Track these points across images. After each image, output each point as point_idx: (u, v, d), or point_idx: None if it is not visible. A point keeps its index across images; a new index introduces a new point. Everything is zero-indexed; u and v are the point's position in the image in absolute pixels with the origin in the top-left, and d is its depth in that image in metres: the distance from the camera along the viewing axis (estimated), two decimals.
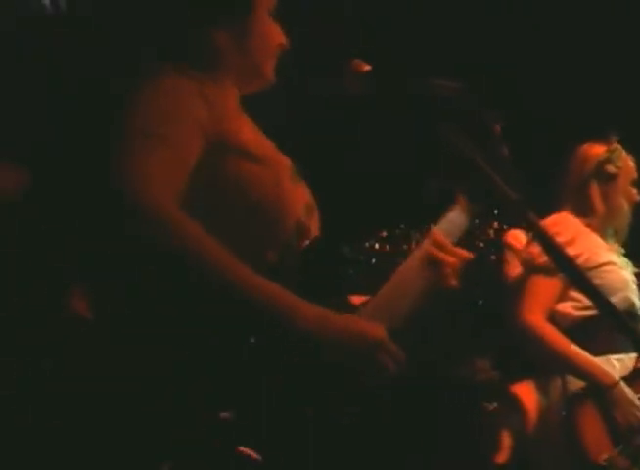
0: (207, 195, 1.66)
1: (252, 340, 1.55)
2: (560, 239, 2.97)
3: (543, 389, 3.16)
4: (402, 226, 1.94)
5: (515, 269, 3.34)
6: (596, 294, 1.72)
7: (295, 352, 1.55)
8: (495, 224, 2.06)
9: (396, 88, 1.74)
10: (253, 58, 1.88)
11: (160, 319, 1.59)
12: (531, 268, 3.17)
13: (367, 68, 1.82)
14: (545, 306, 3.14)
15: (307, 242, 1.77)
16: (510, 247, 3.37)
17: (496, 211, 2.03)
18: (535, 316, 3.12)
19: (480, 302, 3.61)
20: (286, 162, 1.83)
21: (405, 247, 1.89)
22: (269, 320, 1.54)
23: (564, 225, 3.25)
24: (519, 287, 3.22)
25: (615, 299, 3.05)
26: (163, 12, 1.90)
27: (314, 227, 1.84)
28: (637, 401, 3.03)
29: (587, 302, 2.86)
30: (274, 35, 1.91)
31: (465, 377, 3.59)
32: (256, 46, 1.88)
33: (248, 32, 1.86)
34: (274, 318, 1.53)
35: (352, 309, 1.72)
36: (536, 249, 3.07)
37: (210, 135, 1.68)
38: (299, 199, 1.82)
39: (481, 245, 2.04)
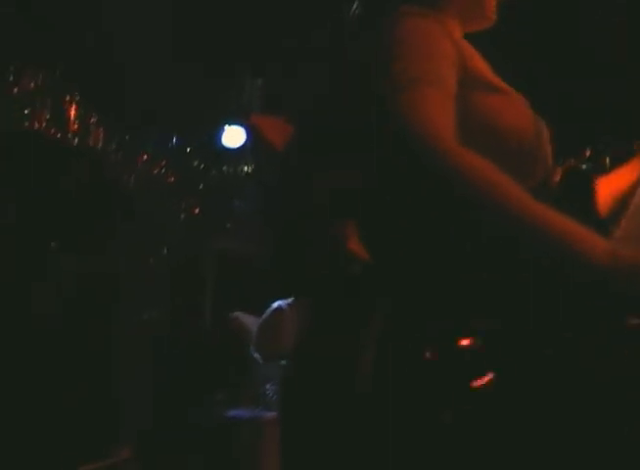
0: (460, 135, 1.59)
1: None
2: None
3: None
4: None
5: None
6: None
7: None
8: None
9: None
10: None
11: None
12: None
13: None
14: None
15: (562, 171, 1.69)
16: None
17: None
18: None
19: None
20: (520, 95, 1.76)
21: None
22: (562, 257, 1.40)
23: None
24: None
25: None
26: None
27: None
28: None
29: None
30: None
31: None
32: None
33: None
34: (569, 254, 1.39)
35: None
36: None
37: (460, 73, 1.64)
38: (544, 129, 1.74)
39: None
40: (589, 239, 1.39)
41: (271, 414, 4.81)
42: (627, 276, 1.38)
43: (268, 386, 4.94)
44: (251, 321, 5.35)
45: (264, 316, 5.25)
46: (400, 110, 1.52)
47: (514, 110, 1.69)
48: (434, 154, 1.45)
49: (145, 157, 5.90)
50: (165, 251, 5.91)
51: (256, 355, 5.13)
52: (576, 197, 1.62)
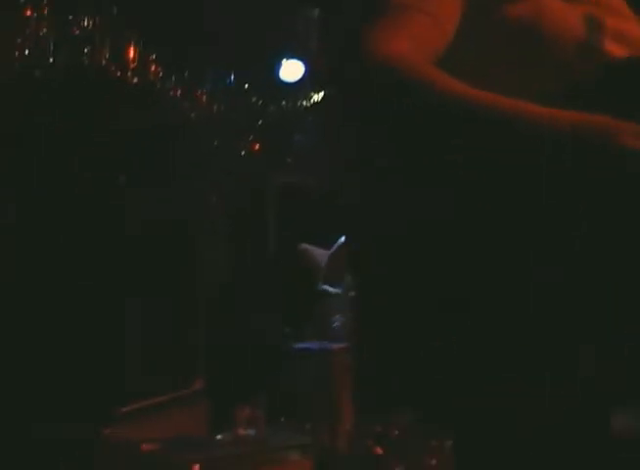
0: (475, 41, 1.56)
1: None
2: None
3: None
4: None
5: None
6: None
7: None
8: None
9: None
10: None
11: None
12: None
13: None
14: None
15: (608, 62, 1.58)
16: None
17: None
18: None
19: None
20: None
21: None
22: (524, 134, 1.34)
23: None
24: None
25: None
26: None
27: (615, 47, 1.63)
28: None
29: None
30: None
31: None
32: None
33: None
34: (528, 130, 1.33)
35: None
36: None
37: None
38: (575, 14, 1.64)
39: None
40: (540, 111, 1.33)
41: (339, 346, 4.84)
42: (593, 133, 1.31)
43: (336, 318, 4.96)
44: (319, 254, 5.37)
45: (333, 249, 5.26)
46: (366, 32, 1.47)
47: (548, 16, 1.60)
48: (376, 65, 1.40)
49: (204, 94, 5.88)
50: (226, 188, 5.91)
51: (325, 288, 5.16)
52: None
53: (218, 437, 3.77)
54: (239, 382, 4.67)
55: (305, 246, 5.45)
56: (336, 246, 5.23)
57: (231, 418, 3.99)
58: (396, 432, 5.05)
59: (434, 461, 4.81)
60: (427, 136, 1.40)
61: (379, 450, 4.94)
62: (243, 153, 6.12)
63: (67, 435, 3.56)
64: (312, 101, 6.28)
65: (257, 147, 6.21)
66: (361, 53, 1.43)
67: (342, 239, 5.27)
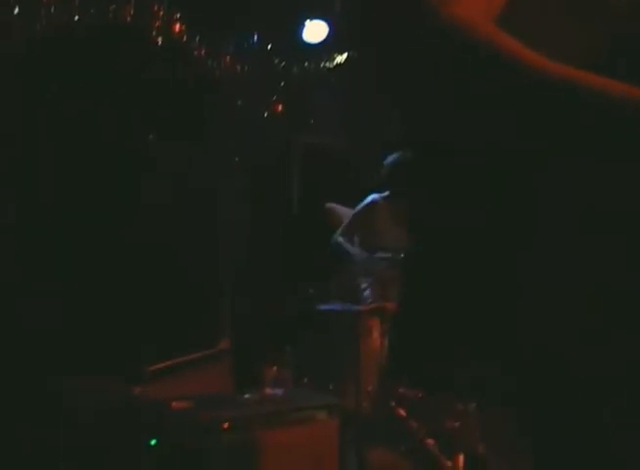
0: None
1: None
2: None
3: None
4: None
5: None
6: None
7: None
8: None
9: None
10: None
11: None
12: None
13: None
14: None
15: None
16: None
17: None
18: None
19: None
20: None
21: None
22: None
23: None
24: None
25: None
26: None
27: None
28: None
29: None
30: None
31: None
32: None
33: None
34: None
35: None
36: None
37: None
38: None
39: None
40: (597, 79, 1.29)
41: (363, 307, 4.84)
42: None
43: (362, 280, 4.96)
44: (344, 212, 5.36)
45: (359, 208, 5.25)
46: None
47: None
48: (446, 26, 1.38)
49: (227, 55, 5.85)
50: (250, 148, 5.90)
51: (340, 240, 5.15)
52: None
53: (246, 396, 3.78)
54: (264, 342, 4.69)
55: (331, 204, 5.45)
56: (361, 205, 5.22)
57: (256, 378, 4.01)
58: (419, 394, 5.07)
59: (457, 424, 4.83)
60: (498, 103, 1.39)
61: (401, 412, 4.96)
62: (266, 114, 6.10)
63: (98, 393, 3.58)
64: (335, 62, 6.24)
65: (280, 108, 6.18)
66: (430, 13, 1.42)
67: (369, 198, 5.27)
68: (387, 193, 5.17)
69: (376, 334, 4.91)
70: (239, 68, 5.87)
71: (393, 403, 4.98)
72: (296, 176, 6.17)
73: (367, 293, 4.98)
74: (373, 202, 5.21)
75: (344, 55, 6.19)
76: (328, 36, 6.03)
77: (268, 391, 3.83)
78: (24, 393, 3.52)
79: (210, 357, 4.42)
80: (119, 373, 3.82)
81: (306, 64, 6.26)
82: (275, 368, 3.91)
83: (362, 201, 5.25)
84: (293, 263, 5.48)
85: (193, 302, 4.61)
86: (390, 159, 5.13)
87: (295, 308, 5.06)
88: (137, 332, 4.13)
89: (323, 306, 4.87)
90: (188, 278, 4.60)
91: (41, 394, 3.49)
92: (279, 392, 3.84)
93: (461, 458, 4.59)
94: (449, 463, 4.67)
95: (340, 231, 5.18)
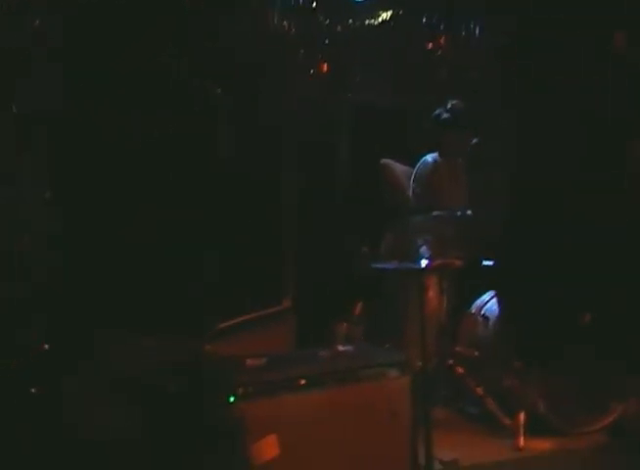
0: None
1: None
2: None
3: None
4: None
5: None
6: None
7: None
8: None
9: None
10: None
11: None
12: None
13: None
14: None
15: None
16: None
17: None
18: None
19: None
20: None
21: None
22: None
23: None
24: None
25: None
26: None
27: None
28: None
29: None
30: None
31: None
32: None
33: None
34: None
35: None
36: None
37: None
38: None
39: None
40: None
41: (418, 265, 4.80)
42: None
43: (420, 238, 4.91)
44: (400, 169, 5.33)
45: (421, 167, 5.24)
46: None
47: None
48: None
49: (273, 14, 5.79)
50: (295, 106, 5.84)
51: (412, 204, 5.13)
52: None
53: (319, 352, 3.76)
54: (330, 300, 4.68)
55: (387, 160, 5.41)
56: (423, 164, 5.20)
57: (322, 335, 3.99)
58: (476, 353, 5.05)
59: (514, 382, 4.82)
60: None
61: (460, 370, 4.95)
62: (311, 71, 6.04)
63: (172, 349, 3.56)
64: (380, 19, 6.18)
65: (325, 66, 6.12)
66: None
67: (429, 158, 5.25)
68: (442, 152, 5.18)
69: (434, 292, 4.89)
70: (285, 24, 5.81)
71: (452, 362, 4.97)
72: (344, 135, 6.12)
73: (423, 250, 4.93)
74: (434, 161, 5.23)
75: (389, 12, 6.13)
76: None
77: (340, 347, 3.80)
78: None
79: (273, 316, 4.40)
80: (186, 332, 3.80)
81: (350, 21, 6.19)
82: (345, 325, 3.89)
83: (414, 158, 5.25)
84: (348, 222, 5.46)
85: (256, 261, 4.58)
86: (443, 115, 5.14)
87: (350, 267, 5.03)
88: (204, 290, 4.10)
89: (380, 265, 4.84)
90: (254, 239, 4.57)
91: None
92: (350, 348, 3.82)
93: (522, 416, 4.58)
94: (508, 421, 4.66)
95: (400, 189, 5.17)
